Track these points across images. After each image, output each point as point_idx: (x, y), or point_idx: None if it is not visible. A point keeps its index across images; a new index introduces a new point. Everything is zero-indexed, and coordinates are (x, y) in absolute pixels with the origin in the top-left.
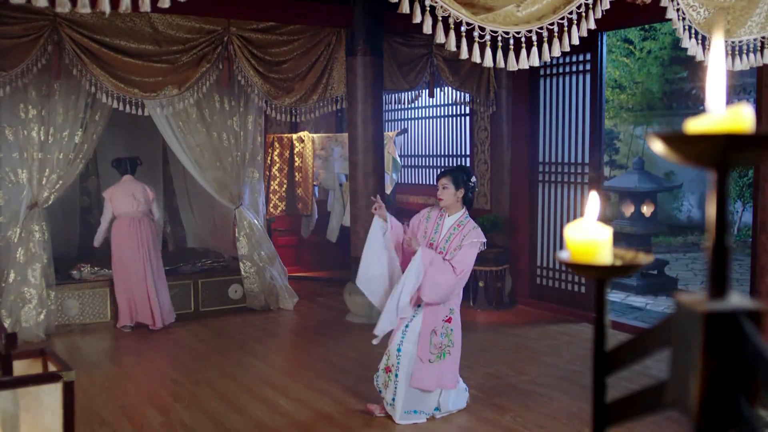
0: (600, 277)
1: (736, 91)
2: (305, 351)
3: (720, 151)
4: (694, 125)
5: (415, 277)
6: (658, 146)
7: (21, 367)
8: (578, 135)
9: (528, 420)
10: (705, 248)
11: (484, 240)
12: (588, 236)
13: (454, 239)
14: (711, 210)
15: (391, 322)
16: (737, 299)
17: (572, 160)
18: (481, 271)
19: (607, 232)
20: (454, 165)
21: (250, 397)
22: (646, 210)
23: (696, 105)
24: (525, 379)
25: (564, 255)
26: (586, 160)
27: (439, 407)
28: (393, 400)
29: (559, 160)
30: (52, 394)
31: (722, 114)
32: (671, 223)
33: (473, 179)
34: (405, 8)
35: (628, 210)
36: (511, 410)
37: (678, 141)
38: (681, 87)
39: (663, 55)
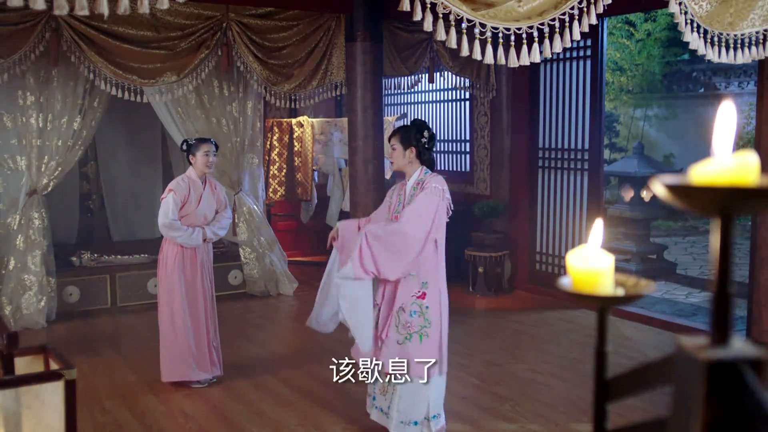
0: (601, 306)
1: (736, 74)
2: (306, 337)
3: (725, 203)
4: (698, 175)
5: (360, 291)
6: (661, 192)
7: (22, 365)
8: (578, 121)
9: (527, 409)
10: (706, 233)
11: (443, 187)
12: (589, 265)
13: (415, 198)
14: (715, 256)
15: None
16: (739, 346)
17: (572, 146)
18: (480, 256)
19: (608, 260)
20: (409, 122)
21: (251, 385)
22: (646, 194)
23: (696, 87)
24: (524, 367)
25: (565, 282)
26: (586, 146)
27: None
28: (389, 407)
29: (559, 146)
30: (53, 393)
31: (727, 163)
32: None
33: (426, 135)
34: (405, 6)
35: (628, 194)
36: (510, 399)
37: (683, 191)
38: (681, 69)
39: (663, 37)
